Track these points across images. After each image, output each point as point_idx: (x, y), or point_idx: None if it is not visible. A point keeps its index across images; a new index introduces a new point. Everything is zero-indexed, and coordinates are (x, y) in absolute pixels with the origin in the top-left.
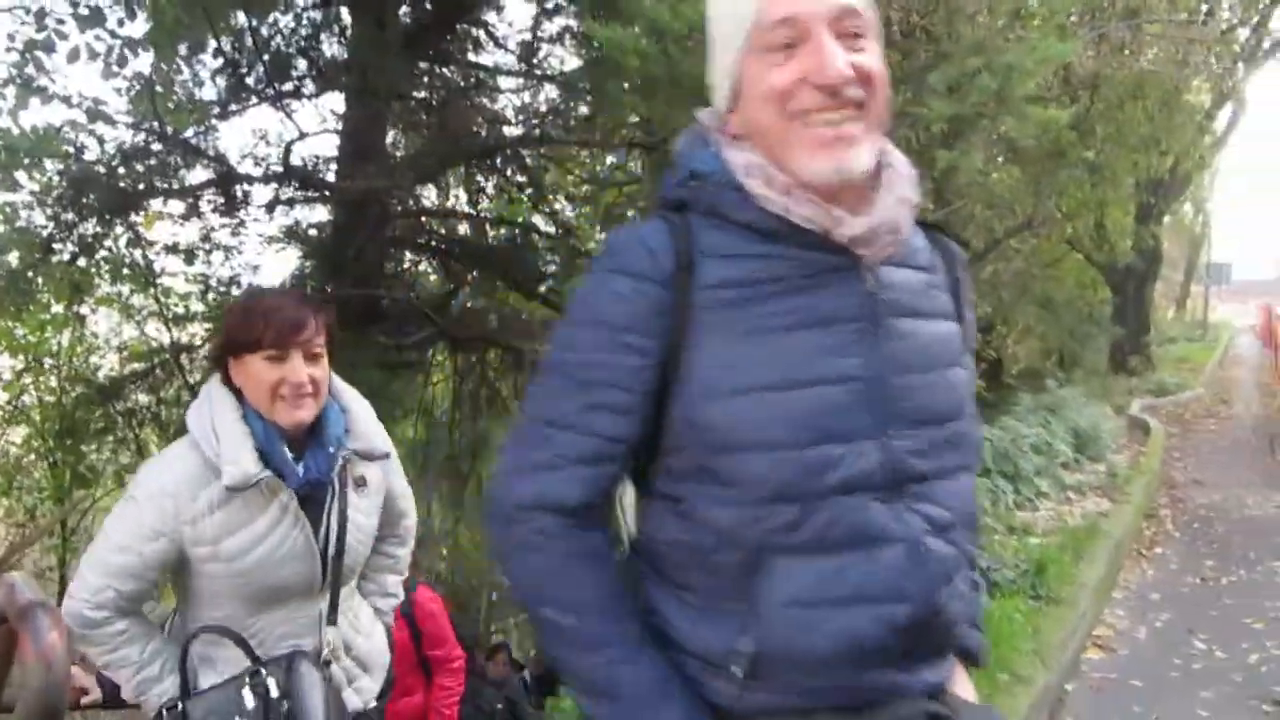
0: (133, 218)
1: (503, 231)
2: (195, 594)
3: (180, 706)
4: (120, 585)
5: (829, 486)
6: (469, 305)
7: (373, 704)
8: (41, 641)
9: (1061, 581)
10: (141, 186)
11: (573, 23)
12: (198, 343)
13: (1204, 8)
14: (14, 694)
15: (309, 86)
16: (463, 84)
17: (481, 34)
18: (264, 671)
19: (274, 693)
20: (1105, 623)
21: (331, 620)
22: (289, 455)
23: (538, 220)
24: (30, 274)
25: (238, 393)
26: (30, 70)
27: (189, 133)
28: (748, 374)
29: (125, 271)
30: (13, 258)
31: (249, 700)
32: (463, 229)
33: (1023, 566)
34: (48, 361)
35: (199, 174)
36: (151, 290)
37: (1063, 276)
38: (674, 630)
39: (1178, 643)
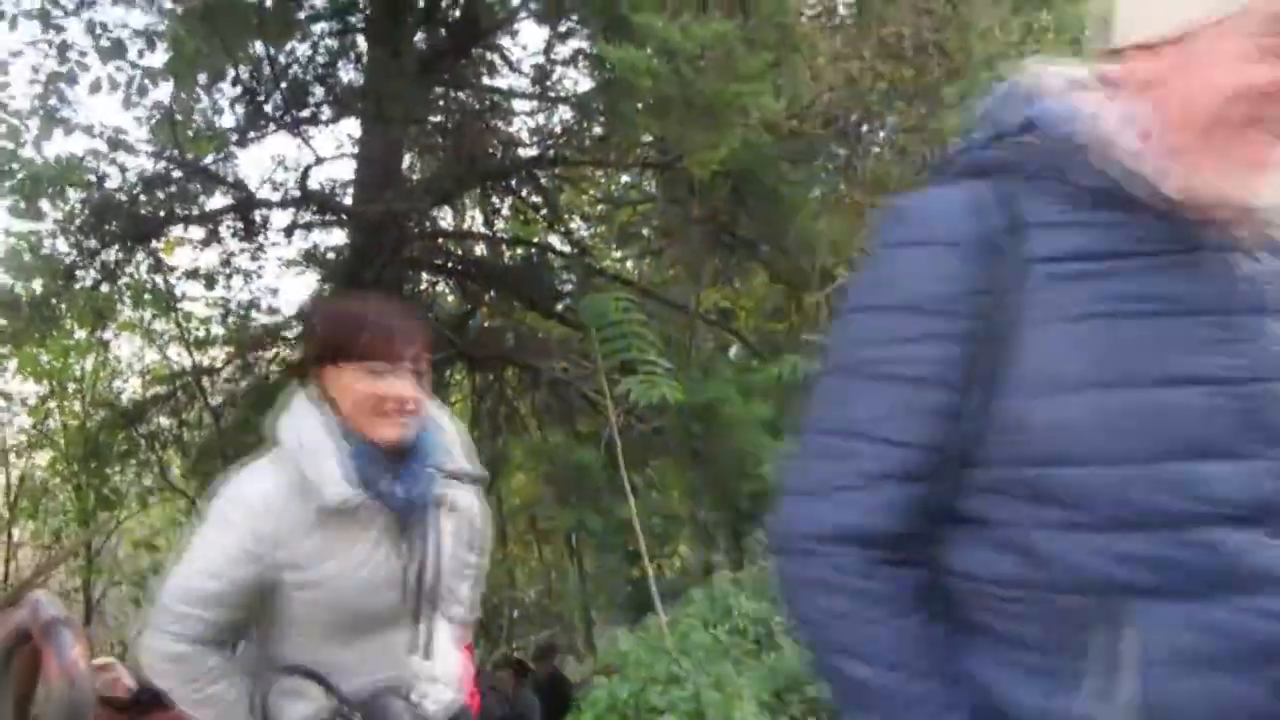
0: (154, 244)
1: (519, 251)
2: (278, 621)
3: None
4: (209, 615)
5: (1204, 513)
6: (486, 325)
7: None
8: (65, 657)
9: None
10: (162, 214)
11: (585, 45)
12: (219, 365)
13: None
14: (41, 708)
15: (326, 113)
16: (477, 107)
17: (496, 58)
18: (349, 709)
19: None
20: None
21: (421, 651)
22: (387, 476)
23: (553, 240)
24: (54, 301)
25: (327, 403)
26: (53, 102)
27: (208, 160)
28: (1085, 366)
29: (147, 297)
30: (37, 285)
31: None
32: (479, 250)
33: None
34: (71, 386)
35: (219, 200)
36: (173, 315)
37: None
38: (986, 690)
39: None
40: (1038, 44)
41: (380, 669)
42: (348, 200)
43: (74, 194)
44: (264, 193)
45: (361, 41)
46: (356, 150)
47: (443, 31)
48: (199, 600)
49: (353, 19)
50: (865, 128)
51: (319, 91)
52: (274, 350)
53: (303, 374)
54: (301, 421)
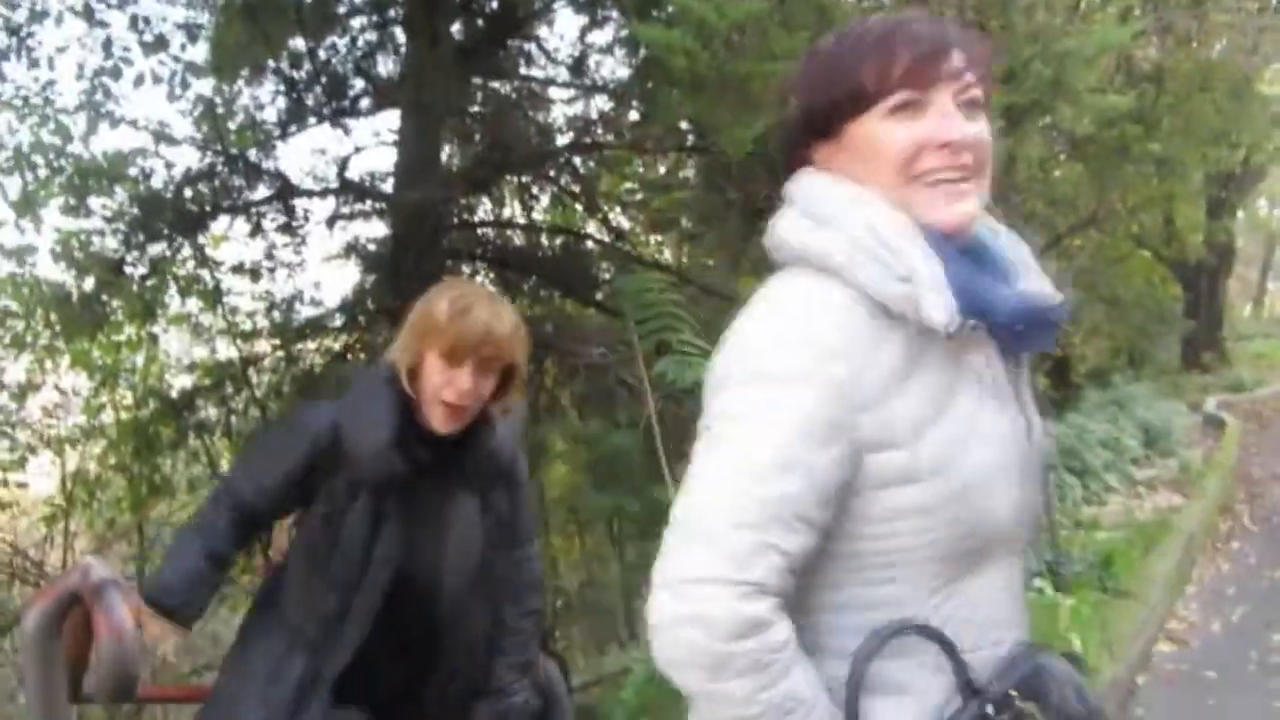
0: (199, 239)
1: (557, 239)
2: (845, 557)
3: None
4: (782, 541)
5: None
6: (525, 314)
7: None
8: (113, 616)
9: (1130, 575)
10: (208, 208)
11: (622, 33)
12: (264, 357)
13: None
14: (92, 669)
15: (365, 104)
16: (515, 97)
17: (533, 48)
18: (1013, 696)
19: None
20: (1178, 616)
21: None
22: (988, 282)
23: (591, 227)
24: (104, 296)
25: None
26: (99, 97)
27: (251, 153)
28: None
29: (195, 289)
30: (88, 283)
31: None
32: (517, 238)
33: (1090, 560)
34: (123, 380)
35: (261, 193)
36: (219, 308)
37: (1130, 274)
38: None
39: (1255, 637)
40: (1084, 23)
41: (992, 626)
42: (387, 189)
43: (120, 190)
44: (305, 185)
45: (400, 34)
46: (395, 140)
47: (480, 22)
48: (772, 514)
49: (391, 12)
50: None
51: (358, 83)
52: (318, 341)
53: (797, 162)
54: (839, 208)
